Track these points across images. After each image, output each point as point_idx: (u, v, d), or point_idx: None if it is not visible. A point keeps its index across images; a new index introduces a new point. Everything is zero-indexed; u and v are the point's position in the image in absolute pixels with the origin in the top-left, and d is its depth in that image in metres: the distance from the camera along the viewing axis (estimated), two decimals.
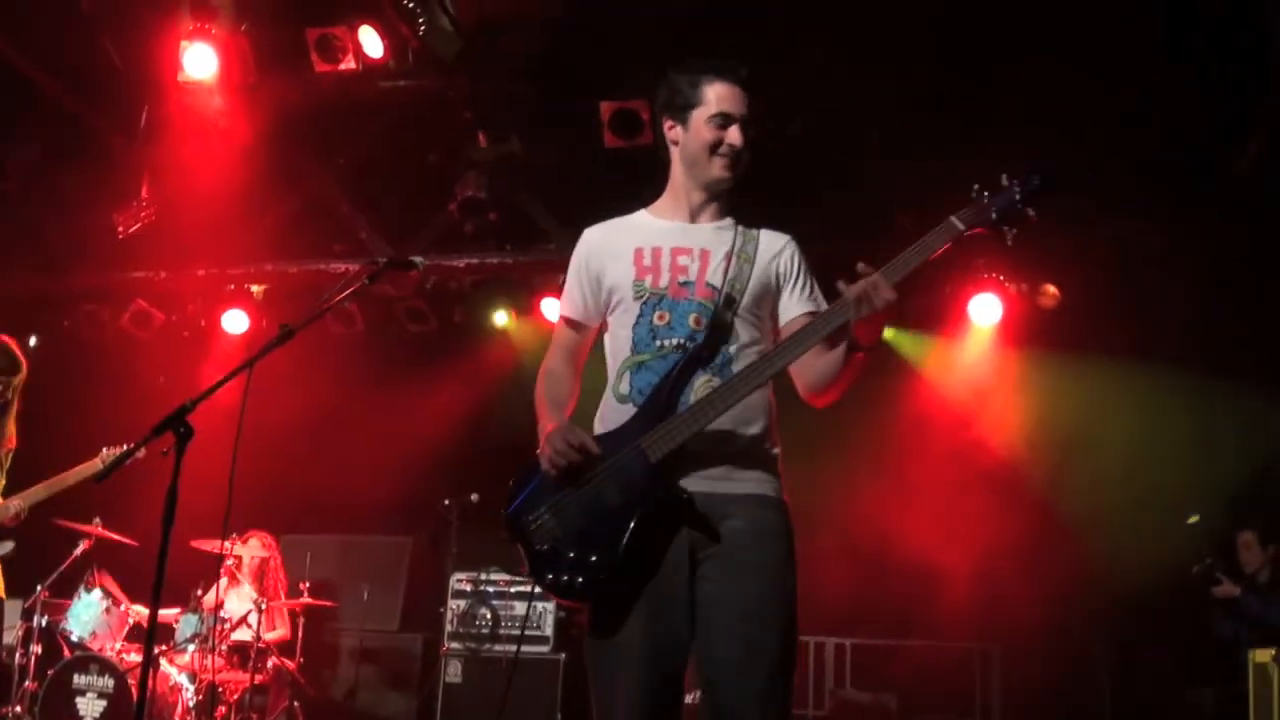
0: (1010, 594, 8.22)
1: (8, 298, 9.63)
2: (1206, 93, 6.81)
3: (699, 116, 3.28)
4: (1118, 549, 7.79)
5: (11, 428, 5.65)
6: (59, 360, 9.41)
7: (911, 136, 7.51)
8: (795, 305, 3.32)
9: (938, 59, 7.17)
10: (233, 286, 9.30)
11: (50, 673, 7.43)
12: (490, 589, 7.24)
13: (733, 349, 3.16)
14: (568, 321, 3.51)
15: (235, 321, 9.39)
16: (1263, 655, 5.82)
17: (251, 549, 8.19)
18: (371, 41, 7.33)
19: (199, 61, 7.40)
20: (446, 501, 7.68)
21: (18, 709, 7.85)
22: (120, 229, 8.85)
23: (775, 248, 3.36)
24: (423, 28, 7.47)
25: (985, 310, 8.03)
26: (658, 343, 3.18)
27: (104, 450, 5.70)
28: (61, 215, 9.32)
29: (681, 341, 3.15)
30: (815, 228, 7.89)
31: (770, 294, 3.31)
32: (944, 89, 7.28)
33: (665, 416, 3.04)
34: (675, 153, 3.38)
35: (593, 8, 7.26)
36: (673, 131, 3.37)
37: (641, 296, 3.24)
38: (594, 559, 2.98)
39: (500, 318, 9.33)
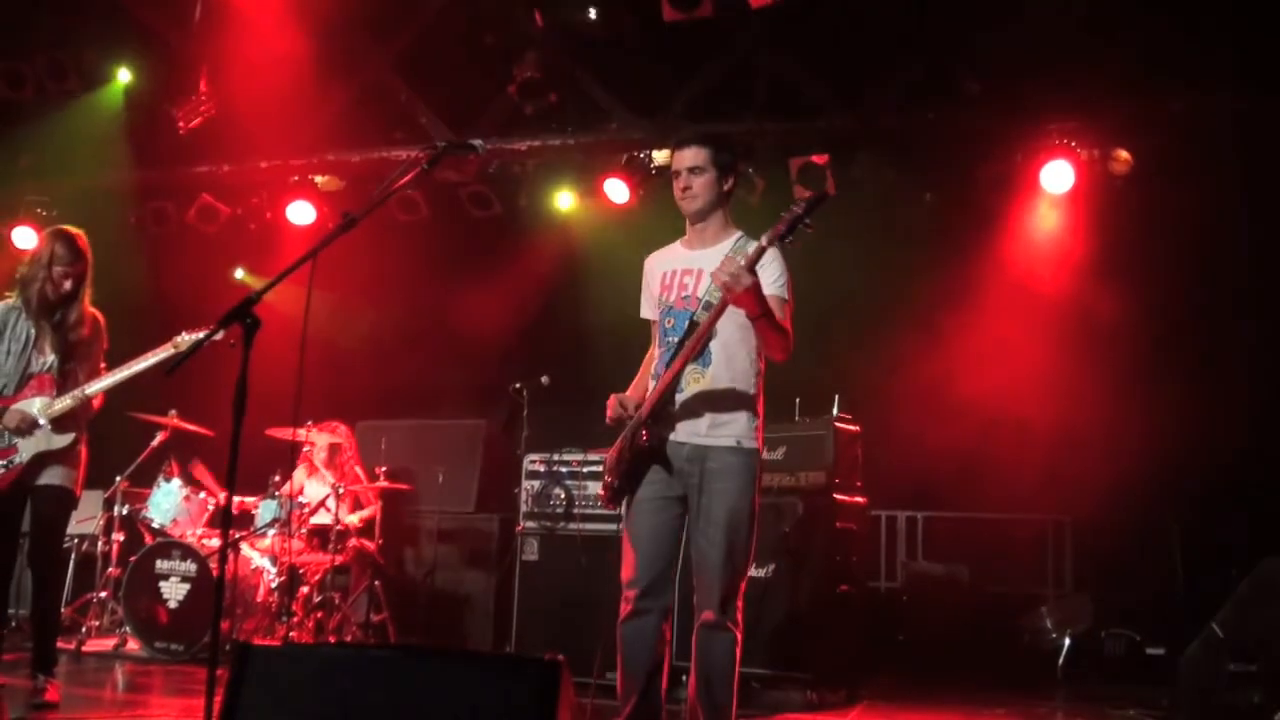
0: (1083, 466, 8.17)
1: (74, 196, 9.74)
2: None
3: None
4: (1191, 418, 7.70)
5: (85, 316, 5.72)
6: (130, 255, 9.53)
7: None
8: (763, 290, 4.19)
9: None
10: (296, 178, 9.30)
11: (133, 559, 7.68)
12: (563, 469, 7.28)
13: (710, 343, 4.32)
14: (650, 321, 4.67)
15: (301, 213, 9.41)
16: None
17: (326, 435, 8.32)
18: None
19: None
20: (517, 385, 7.69)
21: (103, 594, 8.13)
22: (181, 124, 8.87)
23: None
24: None
25: (1057, 177, 7.84)
26: (667, 339, 4.44)
27: (180, 335, 5.71)
28: (123, 113, 9.34)
29: (679, 339, 4.34)
30: (885, 96, 7.85)
31: None
32: None
33: (661, 391, 4.33)
34: None
35: None
36: None
37: (663, 308, 4.52)
38: (614, 482, 4.49)
39: (564, 200, 9.26)
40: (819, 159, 8.11)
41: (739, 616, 4.33)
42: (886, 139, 8.16)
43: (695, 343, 4.25)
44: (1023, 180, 8.04)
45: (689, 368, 4.34)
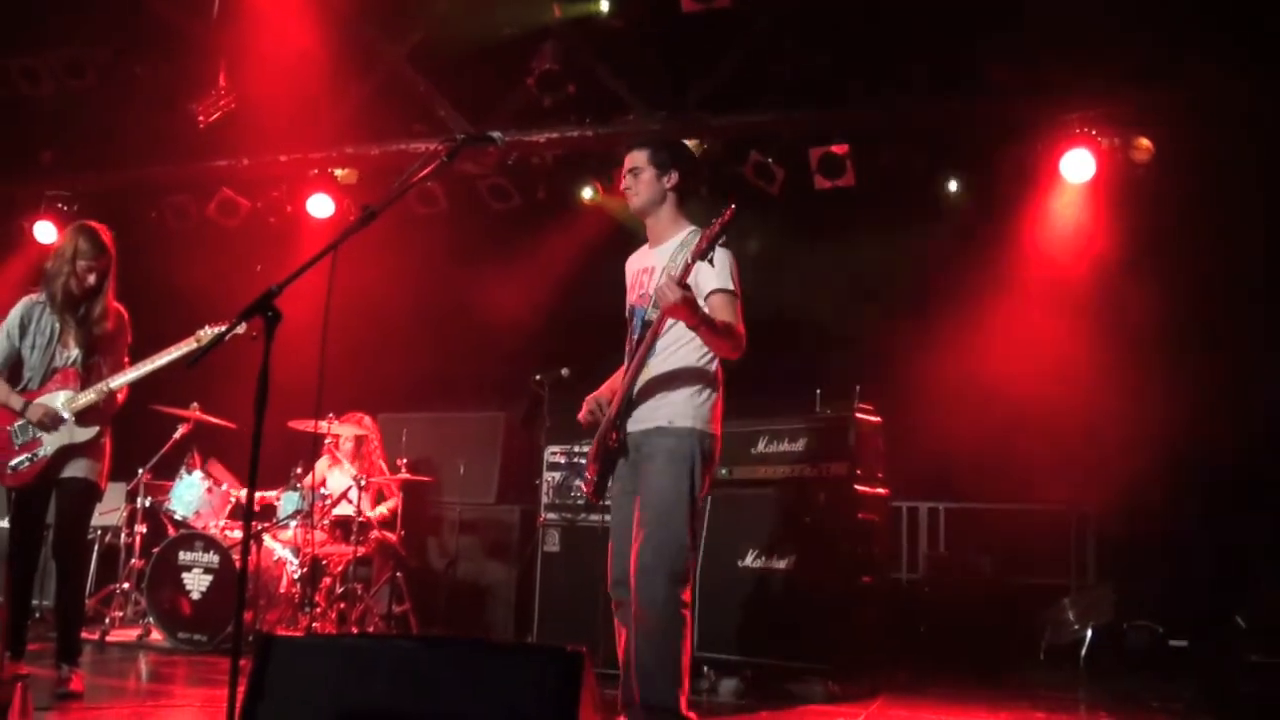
0: (1105, 456, 8.13)
1: (95, 192, 9.78)
2: None
3: None
4: (1214, 408, 7.65)
5: (109, 310, 5.74)
6: (152, 250, 9.56)
7: None
8: (703, 288, 4.46)
9: None
10: (315, 171, 9.31)
11: (156, 551, 7.72)
12: (584, 460, 7.28)
13: (657, 340, 4.50)
14: None
15: (320, 206, 9.43)
16: None
17: (350, 427, 8.34)
18: None
19: None
20: (538, 376, 7.70)
21: (125, 586, 8.18)
22: (200, 119, 8.89)
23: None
24: None
25: (1078, 165, 7.78)
26: (631, 337, 4.64)
27: (203, 329, 5.73)
28: (142, 108, 9.37)
29: (637, 336, 4.55)
30: (906, 84, 7.82)
31: (693, 288, 4.39)
32: None
33: (624, 389, 4.56)
34: None
35: None
36: None
37: (628, 306, 4.75)
38: (594, 478, 4.68)
39: (585, 192, 9.27)
40: (839, 149, 8.08)
41: (678, 608, 4.30)
42: (908, 127, 8.13)
43: (644, 348, 4.46)
44: (1044, 168, 8.00)
45: (645, 364, 4.55)
